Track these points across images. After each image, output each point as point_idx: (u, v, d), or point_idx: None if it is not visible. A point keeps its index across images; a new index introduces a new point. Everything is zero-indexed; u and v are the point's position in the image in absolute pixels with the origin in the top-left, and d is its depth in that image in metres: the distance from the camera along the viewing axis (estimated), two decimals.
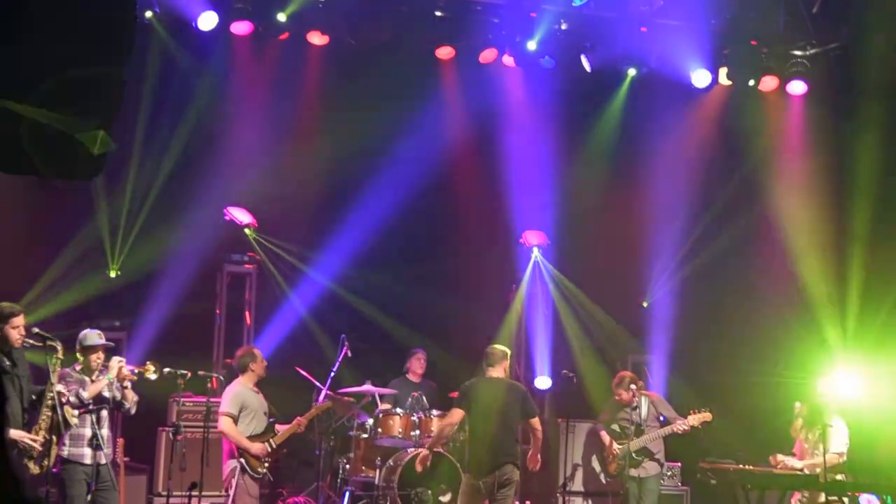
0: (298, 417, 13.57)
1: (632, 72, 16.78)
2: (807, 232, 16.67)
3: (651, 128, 17.11)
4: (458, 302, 16.89)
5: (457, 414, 12.61)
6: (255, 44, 15.99)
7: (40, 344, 10.96)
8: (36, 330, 10.96)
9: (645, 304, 16.85)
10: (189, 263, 15.51)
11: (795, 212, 16.92)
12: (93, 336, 11.66)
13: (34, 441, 10.74)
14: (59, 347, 11.01)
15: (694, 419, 13.74)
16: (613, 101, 17.17)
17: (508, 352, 12.74)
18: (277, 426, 13.46)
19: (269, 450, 13.20)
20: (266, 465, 13.20)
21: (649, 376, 16.18)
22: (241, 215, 15.66)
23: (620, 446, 13.90)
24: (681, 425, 13.76)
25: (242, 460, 13.06)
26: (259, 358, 13.46)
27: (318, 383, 14.72)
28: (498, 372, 12.48)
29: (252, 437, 13.14)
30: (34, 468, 10.80)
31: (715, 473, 12.50)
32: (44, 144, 6.51)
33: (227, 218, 15.56)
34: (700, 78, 16.55)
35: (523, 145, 17.22)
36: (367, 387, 14.98)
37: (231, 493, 12.95)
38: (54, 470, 11.30)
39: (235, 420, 13.10)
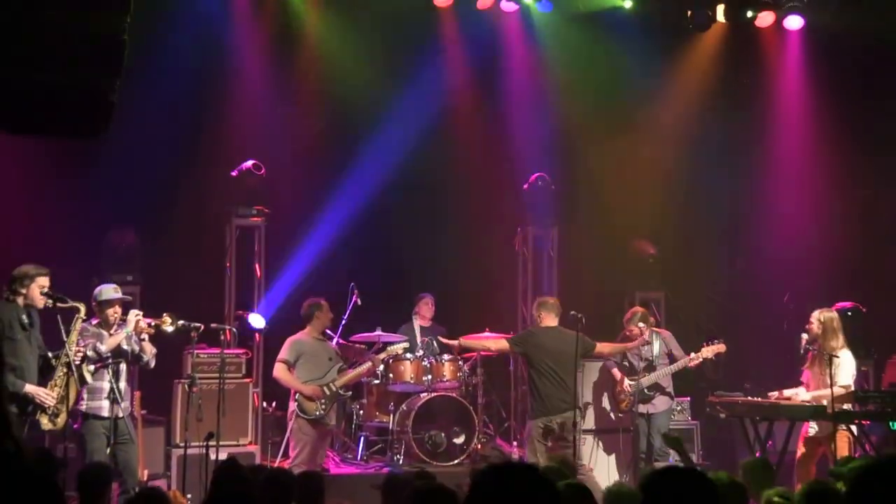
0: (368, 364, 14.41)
1: (627, 3, 16.82)
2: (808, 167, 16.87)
3: (651, 67, 17.19)
4: (465, 246, 17.02)
5: (502, 343, 13.71)
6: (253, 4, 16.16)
7: (65, 304, 11.15)
8: (52, 292, 11.10)
9: (653, 251, 16.90)
10: (198, 217, 15.70)
11: (794, 146, 17.12)
12: (109, 290, 11.83)
13: (49, 396, 10.93)
14: (83, 307, 11.21)
15: (707, 350, 13.85)
16: (608, 39, 17.21)
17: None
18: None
19: (327, 392, 13.81)
20: (323, 407, 13.63)
21: (658, 313, 16.38)
22: (247, 168, 15.78)
23: (632, 382, 14.10)
24: (694, 359, 13.90)
25: (296, 403, 13.72)
26: (325, 308, 14.12)
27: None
28: (553, 321, 13.21)
29: (310, 382, 13.80)
30: (48, 423, 10.92)
31: (724, 407, 12.64)
32: (50, 105, 6.66)
33: (234, 173, 15.65)
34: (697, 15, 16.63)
35: (525, 92, 17.31)
36: (378, 333, 15.16)
37: (289, 430, 13.83)
38: (75, 426, 11.55)
39: (290, 366, 13.85)
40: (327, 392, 13.80)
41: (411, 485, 7.63)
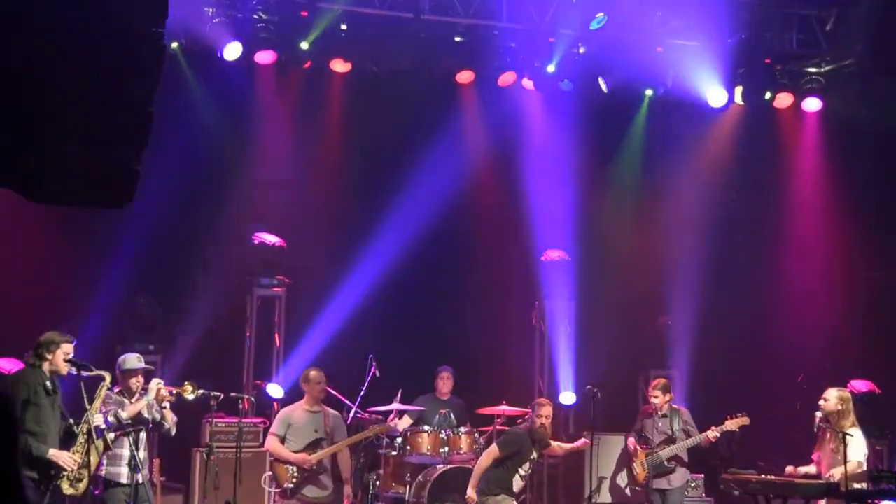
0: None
1: (649, 93, 17.06)
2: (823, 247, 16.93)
3: (669, 148, 17.31)
4: (483, 320, 17.07)
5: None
6: (279, 72, 16.29)
7: (90, 373, 11.21)
8: (75, 359, 11.16)
9: (668, 322, 16.93)
10: (219, 287, 15.79)
11: (812, 227, 17.19)
12: (132, 360, 11.96)
13: (71, 461, 10.94)
14: (108, 376, 11.29)
15: (731, 423, 13.85)
16: (632, 123, 17.42)
17: None
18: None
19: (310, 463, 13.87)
20: (294, 479, 13.67)
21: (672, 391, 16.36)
22: (269, 237, 15.88)
23: (651, 455, 14.02)
24: (714, 431, 13.89)
25: (270, 473, 13.83)
26: (312, 378, 14.22)
27: (348, 402, 14.95)
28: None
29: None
30: (69, 489, 10.96)
31: (737, 484, 12.59)
32: (73, 174, 6.73)
33: (256, 241, 15.76)
34: (716, 97, 16.78)
35: (543, 167, 17.41)
36: (396, 405, 15.17)
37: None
38: (96, 492, 11.61)
39: (281, 439, 13.95)
40: (310, 462, 13.86)
41: None
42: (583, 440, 14.23)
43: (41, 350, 11.06)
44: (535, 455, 13.88)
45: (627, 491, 14.99)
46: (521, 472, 13.70)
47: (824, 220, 17.38)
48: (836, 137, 17.25)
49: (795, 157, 17.71)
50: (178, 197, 15.19)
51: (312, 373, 14.29)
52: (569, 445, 14.42)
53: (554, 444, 14.34)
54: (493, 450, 13.92)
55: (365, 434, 14.43)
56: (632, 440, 14.42)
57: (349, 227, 17.05)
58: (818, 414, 12.39)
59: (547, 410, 13.85)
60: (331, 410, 14.40)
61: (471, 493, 13.77)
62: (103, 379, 11.27)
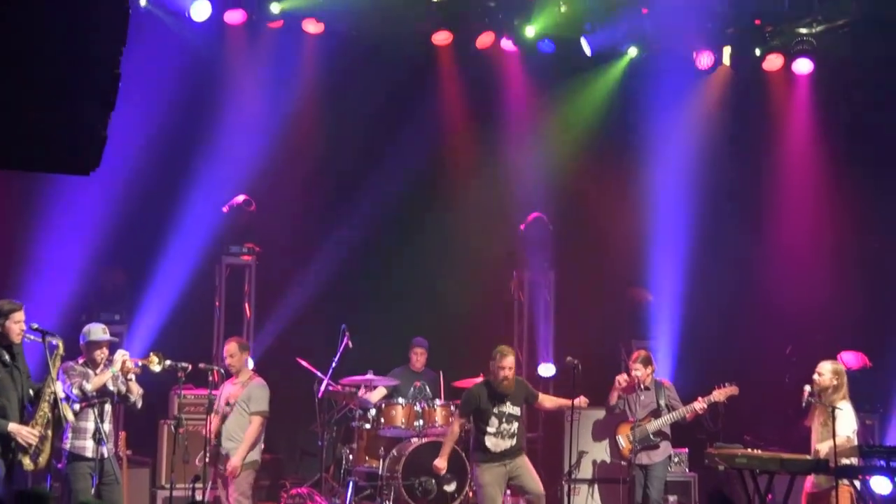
0: None
1: (632, 51, 16.94)
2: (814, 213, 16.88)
3: (655, 110, 17.17)
4: (460, 289, 16.94)
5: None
6: (249, 33, 16.12)
7: (40, 339, 11.07)
8: (35, 325, 11.05)
9: (650, 292, 16.87)
10: (187, 256, 15.62)
11: (799, 192, 17.12)
12: (97, 330, 11.81)
13: (31, 435, 10.83)
14: (61, 343, 11.15)
15: (719, 393, 13.72)
16: (616, 85, 17.29)
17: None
18: None
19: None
20: None
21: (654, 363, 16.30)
22: (238, 198, 15.75)
23: (637, 428, 13.87)
24: (701, 402, 13.73)
25: None
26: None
27: (319, 373, 14.86)
28: None
29: None
30: (29, 464, 10.84)
31: (722, 459, 12.53)
32: (36, 138, 6.59)
33: (224, 209, 15.64)
34: (703, 59, 16.69)
35: (523, 132, 17.32)
36: (368, 376, 15.11)
37: None
38: (59, 466, 11.50)
39: None
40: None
41: None
42: (581, 398, 13.60)
43: None
44: (500, 408, 13.09)
45: (609, 464, 14.95)
46: (490, 429, 12.99)
47: (815, 184, 17.29)
48: (827, 100, 17.16)
49: (785, 121, 17.61)
50: (145, 162, 15.03)
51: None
52: (563, 401, 13.85)
53: (544, 397, 13.96)
54: (455, 413, 13.91)
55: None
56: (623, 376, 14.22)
57: (321, 193, 16.93)
58: (807, 388, 12.31)
59: (508, 361, 13.13)
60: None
61: (439, 462, 13.64)
62: (56, 346, 11.14)
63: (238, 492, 13.07)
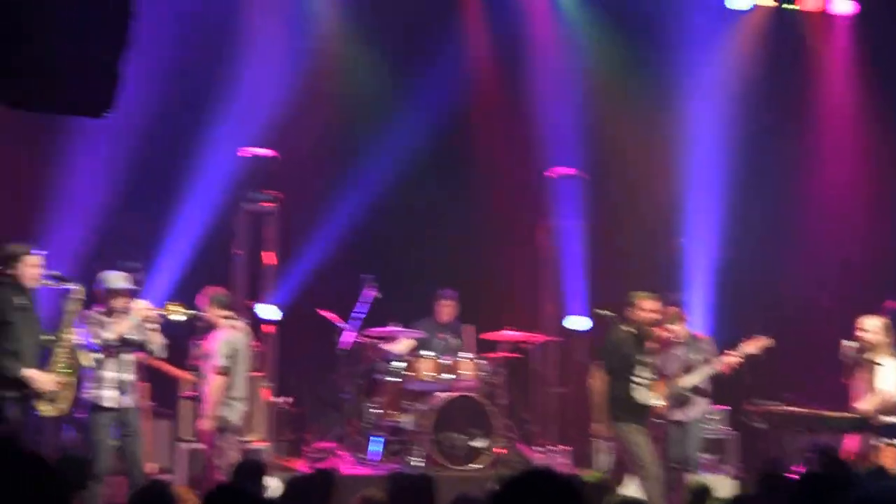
0: None
1: None
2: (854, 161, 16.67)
3: (688, 52, 16.96)
4: (487, 240, 16.86)
5: None
6: None
7: (56, 285, 11.06)
8: (54, 272, 11.04)
9: (684, 243, 16.69)
10: (206, 202, 15.52)
11: (839, 138, 16.92)
12: (116, 278, 11.76)
13: (47, 380, 10.84)
14: (81, 289, 11.11)
15: (751, 345, 13.10)
16: (648, 28, 17.05)
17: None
18: None
19: None
20: None
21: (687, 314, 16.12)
22: (258, 151, 15.60)
23: (671, 384, 13.56)
24: (733, 356, 13.11)
25: None
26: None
27: (343, 325, 14.77)
28: None
29: None
30: (47, 409, 10.95)
31: (761, 416, 12.41)
32: (49, 77, 6.48)
33: (243, 153, 15.50)
34: None
35: (551, 76, 17.13)
36: (393, 328, 15.02)
37: None
38: (78, 415, 11.44)
39: None
40: None
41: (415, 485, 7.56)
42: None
43: (3, 265, 10.89)
44: (645, 357, 12.51)
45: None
46: (637, 379, 12.35)
47: (855, 129, 17.13)
48: (868, 43, 16.93)
49: (825, 64, 17.41)
50: (164, 107, 14.89)
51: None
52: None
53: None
54: (598, 365, 12.90)
55: None
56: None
57: (345, 140, 16.78)
58: (845, 342, 12.17)
59: (649, 304, 12.56)
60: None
61: (596, 427, 13.07)
62: (74, 291, 11.09)
63: None
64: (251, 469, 8.39)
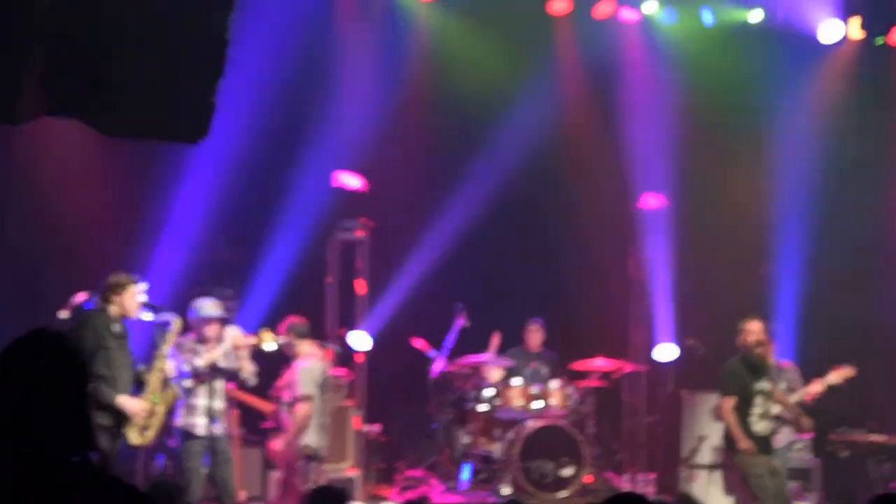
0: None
1: (755, 16, 16.72)
2: None
3: (776, 86, 16.98)
4: (577, 268, 16.88)
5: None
6: (360, 2, 16.26)
7: (152, 317, 11.26)
8: (149, 302, 11.23)
9: (771, 271, 16.67)
10: (298, 230, 15.67)
11: None
12: (209, 306, 11.96)
13: (140, 408, 11.02)
14: (177, 321, 11.32)
15: (835, 375, 13.09)
16: (737, 59, 17.09)
17: None
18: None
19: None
20: None
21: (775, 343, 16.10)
22: (350, 180, 15.78)
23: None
24: (817, 385, 13.08)
25: None
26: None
27: (433, 353, 14.95)
28: None
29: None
30: (136, 437, 11.05)
31: (846, 445, 12.37)
32: (146, 105, 6.69)
33: (335, 183, 15.69)
34: (828, 30, 16.48)
35: (641, 104, 17.17)
36: (485, 356, 15.15)
37: None
38: (172, 444, 11.68)
39: None
40: None
41: None
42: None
43: (108, 292, 11.08)
44: (761, 385, 12.30)
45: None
46: (755, 412, 12.18)
47: None
48: None
49: None
50: (254, 133, 15.05)
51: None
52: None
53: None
54: (722, 399, 12.71)
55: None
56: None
57: (436, 169, 16.89)
58: None
59: (755, 326, 12.39)
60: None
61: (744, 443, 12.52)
62: (170, 322, 11.31)
63: None
64: (329, 496, 8.39)
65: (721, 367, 12.69)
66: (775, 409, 12.68)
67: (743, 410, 12.13)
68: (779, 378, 13.45)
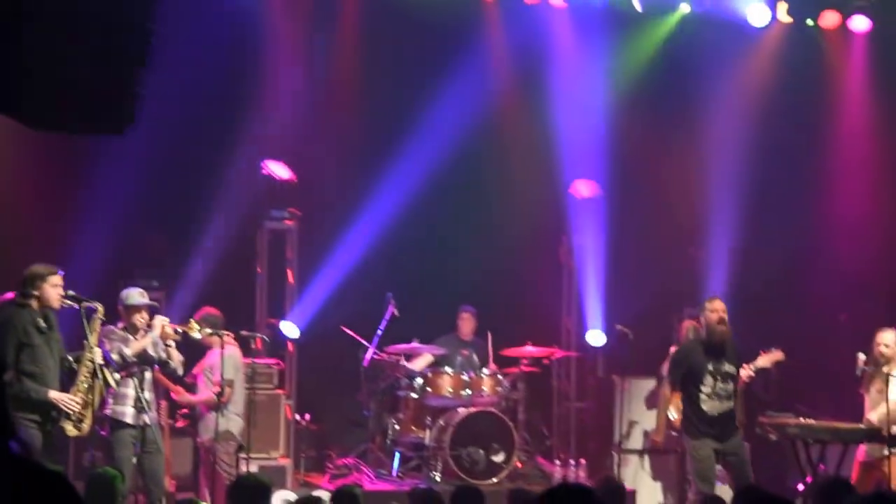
0: None
1: (684, 8, 16.89)
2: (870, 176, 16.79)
3: (706, 69, 17.10)
4: (507, 256, 16.88)
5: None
6: None
7: (76, 305, 11.21)
8: (71, 292, 11.18)
9: (701, 255, 16.81)
10: (227, 220, 15.63)
11: (857, 155, 17.03)
12: (135, 295, 11.92)
13: (73, 401, 10.97)
14: (101, 308, 11.28)
15: (764, 360, 13.16)
16: (667, 43, 17.23)
17: None
18: None
19: None
20: None
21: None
22: (279, 170, 15.76)
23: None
24: (746, 370, 12.95)
25: None
26: None
27: (364, 342, 14.99)
28: None
29: None
30: (72, 430, 11.04)
31: (774, 428, 12.52)
32: (71, 98, 6.69)
33: (264, 172, 15.67)
34: (757, 14, 16.65)
35: (571, 90, 17.22)
36: (414, 345, 15.21)
37: None
38: (102, 433, 11.66)
39: None
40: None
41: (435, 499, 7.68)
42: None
43: (27, 287, 10.98)
44: (716, 365, 12.34)
45: (659, 436, 14.96)
46: (705, 390, 12.26)
47: (872, 146, 17.23)
48: (884, 60, 17.06)
49: (841, 81, 17.55)
50: (181, 123, 14.93)
51: None
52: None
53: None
54: (665, 377, 13.08)
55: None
56: (666, 388, 13.43)
57: (364, 155, 16.85)
58: (861, 356, 12.31)
59: (718, 305, 12.46)
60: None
61: (655, 436, 13.32)
62: (96, 310, 11.28)
63: None
64: (252, 487, 8.39)
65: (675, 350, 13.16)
66: (728, 388, 12.61)
67: (692, 390, 12.29)
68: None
